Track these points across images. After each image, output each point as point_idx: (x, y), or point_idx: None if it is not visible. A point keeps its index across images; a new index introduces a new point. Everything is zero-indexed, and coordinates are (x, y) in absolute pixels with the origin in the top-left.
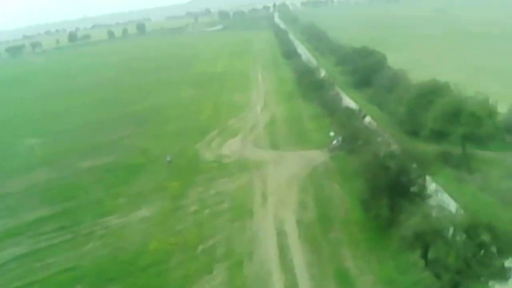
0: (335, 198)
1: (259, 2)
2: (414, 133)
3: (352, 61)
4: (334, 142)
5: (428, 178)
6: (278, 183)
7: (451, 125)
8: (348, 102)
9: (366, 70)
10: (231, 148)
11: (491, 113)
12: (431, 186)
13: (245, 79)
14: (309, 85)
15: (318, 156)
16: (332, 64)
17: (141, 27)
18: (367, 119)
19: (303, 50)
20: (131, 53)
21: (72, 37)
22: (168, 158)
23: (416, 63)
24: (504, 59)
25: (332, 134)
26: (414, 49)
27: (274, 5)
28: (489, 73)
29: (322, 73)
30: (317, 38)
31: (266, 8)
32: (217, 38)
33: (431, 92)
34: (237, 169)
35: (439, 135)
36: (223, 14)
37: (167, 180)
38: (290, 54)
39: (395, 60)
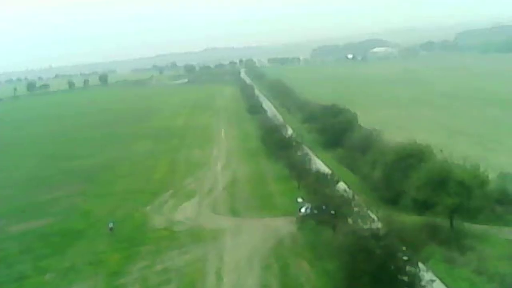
0: (304, 282)
1: (225, 58)
2: (392, 202)
3: (321, 119)
4: (303, 210)
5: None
6: (237, 259)
7: (437, 195)
8: (318, 163)
9: (336, 129)
10: (186, 213)
11: (483, 182)
12: (424, 274)
13: (207, 134)
14: (275, 143)
15: (284, 226)
16: (299, 121)
17: (103, 78)
18: (341, 184)
19: (268, 106)
20: (89, 105)
21: (30, 86)
22: (111, 225)
23: (388, 124)
24: (477, 122)
25: (300, 200)
26: (384, 109)
27: (241, 61)
28: (465, 136)
29: (289, 131)
30: (283, 94)
31: (232, 63)
32: (181, 92)
33: (411, 155)
34: (190, 240)
35: (422, 205)
36: (189, 68)
37: (106, 251)
38: (255, 109)
39: (365, 120)
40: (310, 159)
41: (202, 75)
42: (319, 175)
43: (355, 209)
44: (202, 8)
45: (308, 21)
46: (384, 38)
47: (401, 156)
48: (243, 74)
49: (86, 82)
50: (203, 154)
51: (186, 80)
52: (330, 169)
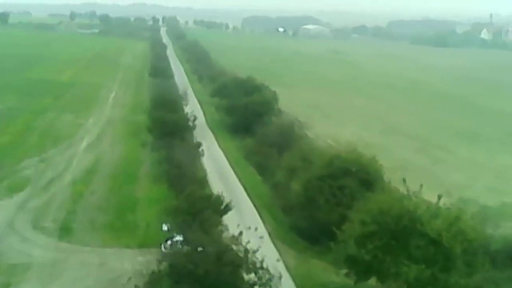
0: None
1: (152, 14)
2: (314, 239)
3: (232, 94)
4: (169, 242)
5: None
6: None
7: (390, 256)
8: (217, 156)
9: (249, 111)
10: None
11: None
12: None
13: (92, 96)
14: (161, 123)
15: (137, 266)
16: (209, 94)
17: (3, 17)
18: (240, 196)
19: (179, 71)
20: None
21: None
22: None
23: (315, 109)
24: (415, 119)
25: (165, 228)
26: (312, 91)
27: (164, 18)
28: (404, 137)
29: (191, 106)
30: (199, 59)
31: (155, 19)
32: (86, 42)
33: (347, 172)
34: None
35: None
36: (104, 18)
37: None
38: (159, 72)
39: (288, 102)
40: (202, 150)
41: (117, 28)
42: (203, 195)
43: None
44: None
45: None
46: (317, 17)
47: (333, 171)
48: (162, 32)
49: None
50: (73, 122)
51: (97, 30)
52: (232, 167)
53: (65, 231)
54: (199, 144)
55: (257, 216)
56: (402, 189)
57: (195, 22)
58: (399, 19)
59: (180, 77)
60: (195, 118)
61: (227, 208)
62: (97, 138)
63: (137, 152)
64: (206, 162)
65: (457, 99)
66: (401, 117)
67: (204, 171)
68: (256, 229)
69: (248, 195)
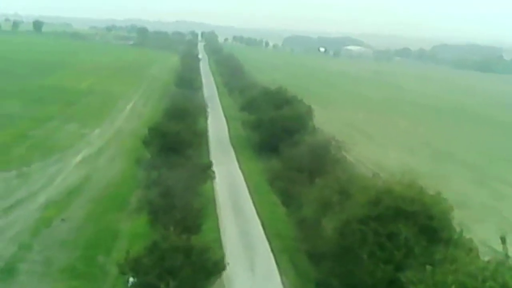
0: None
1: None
2: None
3: (260, 108)
4: None
5: None
6: None
7: None
8: (233, 180)
9: (277, 126)
10: None
11: None
12: None
13: (108, 105)
14: (161, 135)
15: None
16: (238, 108)
17: (37, 25)
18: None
19: (209, 83)
20: None
21: None
22: None
23: (354, 129)
24: (466, 144)
25: (130, 282)
26: (351, 110)
27: (203, 33)
28: (457, 165)
29: (211, 120)
30: (232, 73)
31: (193, 34)
32: (118, 52)
33: (402, 215)
34: None
35: None
36: (142, 30)
37: None
38: (186, 84)
39: (324, 120)
40: (210, 177)
41: (152, 40)
42: (179, 245)
43: None
44: None
45: (285, 10)
46: (358, 39)
47: (381, 211)
48: (200, 46)
49: (15, 25)
50: (75, 132)
51: (131, 42)
52: (251, 194)
53: (6, 274)
54: (208, 165)
55: (274, 264)
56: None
57: (234, 38)
58: (443, 43)
59: (209, 90)
60: (204, 131)
61: (219, 268)
62: (96, 152)
63: (136, 171)
64: (220, 187)
65: (506, 125)
66: (450, 141)
67: (211, 199)
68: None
69: (266, 233)
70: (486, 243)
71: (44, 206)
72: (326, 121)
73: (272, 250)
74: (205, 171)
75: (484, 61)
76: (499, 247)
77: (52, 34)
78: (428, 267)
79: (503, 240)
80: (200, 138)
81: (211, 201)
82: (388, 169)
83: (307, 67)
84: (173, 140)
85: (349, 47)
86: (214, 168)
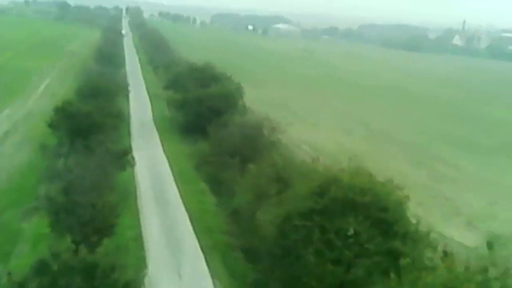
0: None
1: (114, 4)
2: None
3: (186, 86)
4: None
5: None
6: None
7: None
8: (156, 167)
9: (204, 106)
10: None
11: None
12: None
13: (20, 85)
14: (69, 117)
15: None
16: (163, 87)
17: None
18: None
19: (132, 60)
20: None
21: None
22: None
23: (286, 109)
24: (403, 122)
25: None
26: (282, 89)
27: (127, 8)
28: (394, 143)
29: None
30: (156, 49)
31: (117, 9)
32: (36, 27)
33: (352, 207)
34: None
35: None
36: (62, 4)
37: None
38: (107, 61)
39: (255, 99)
40: (129, 165)
41: (74, 14)
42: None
43: None
44: None
45: None
46: (286, 17)
47: (328, 203)
48: (124, 22)
49: None
50: None
51: (51, 16)
52: (177, 182)
53: None
54: (126, 150)
55: (204, 264)
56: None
57: (160, 14)
58: (371, 23)
59: (133, 67)
60: (125, 112)
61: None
62: (2, 137)
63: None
64: (141, 175)
65: (439, 103)
66: (386, 121)
67: (130, 190)
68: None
69: (194, 227)
70: (434, 228)
71: None
72: (257, 101)
73: (201, 248)
74: (123, 158)
75: (411, 40)
76: (447, 231)
77: None
78: (393, 276)
79: (490, 245)
80: (117, 120)
81: (131, 193)
82: (326, 151)
83: (235, 44)
84: (83, 123)
85: (277, 26)
86: (136, 153)
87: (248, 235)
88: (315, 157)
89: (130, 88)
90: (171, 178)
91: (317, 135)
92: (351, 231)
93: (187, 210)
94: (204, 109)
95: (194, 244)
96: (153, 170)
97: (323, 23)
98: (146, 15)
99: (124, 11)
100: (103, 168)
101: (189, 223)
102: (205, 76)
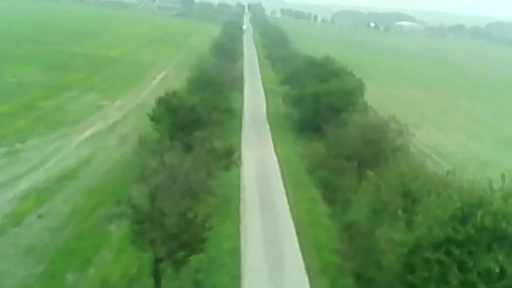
0: None
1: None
2: None
3: (304, 81)
4: None
5: None
6: None
7: None
8: (265, 168)
9: (321, 102)
10: None
11: None
12: None
13: (137, 74)
14: (172, 111)
15: None
16: (278, 82)
17: None
18: None
19: (250, 54)
20: (29, 15)
21: None
22: None
23: (412, 110)
24: None
25: None
26: (406, 88)
27: (249, 5)
28: None
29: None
30: (275, 45)
31: (240, 6)
32: (159, 22)
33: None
34: None
35: None
36: (187, 1)
37: None
38: (224, 54)
39: (375, 98)
40: (233, 166)
41: (197, 11)
42: None
43: None
44: None
45: None
46: (410, 14)
47: (476, 237)
48: (245, 18)
49: None
50: (92, 104)
51: (175, 12)
52: (286, 187)
53: None
54: (230, 149)
55: None
56: None
57: (281, 11)
58: (498, 21)
59: (250, 62)
60: (237, 107)
61: None
62: (109, 128)
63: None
64: (248, 175)
65: None
66: None
67: (233, 194)
68: None
69: (300, 243)
70: None
71: (24, 195)
72: (379, 99)
73: (307, 269)
74: (227, 157)
75: None
76: None
77: (94, 3)
78: None
79: None
80: (225, 115)
81: (234, 197)
82: (455, 160)
83: (356, 41)
84: (187, 116)
85: (400, 23)
86: (244, 151)
87: (363, 258)
88: (451, 169)
89: (246, 82)
90: (280, 182)
91: (445, 140)
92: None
93: (294, 220)
94: (321, 106)
95: (299, 264)
96: (261, 171)
97: (448, 21)
98: (267, 12)
99: (246, 8)
100: (202, 169)
101: (295, 237)
102: (324, 71)
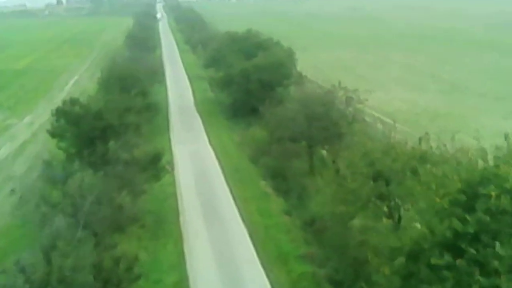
0: None
1: None
2: None
3: (228, 60)
4: None
5: None
6: None
7: None
8: (201, 163)
9: (252, 80)
10: None
11: None
12: None
13: (46, 85)
14: (75, 119)
15: None
16: (203, 65)
17: None
18: None
19: (169, 42)
20: None
21: None
22: None
23: (345, 71)
24: (478, 71)
25: None
26: (334, 51)
27: None
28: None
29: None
30: (193, 28)
31: None
32: (66, 24)
33: None
34: None
35: None
36: None
37: None
38: (139, 45)
39: (307, 65)
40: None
41: (107, 6)
42: None
43: None
44: None
45: None
46: None
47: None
48: (158, 7)
49: None
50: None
51: (85, 12)
52: (228, 183)
53: None
54: (156, 155)
55: None
56: None
57: None
58: None
59: (169, 49)
60: (161, 100)
61: None
62: (17, 150)
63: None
64: (183, 178)
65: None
66: (457, 71)
67: (168, 209)
68: None
69: (259, 255)
70: None
71: None
72: (311, 68)
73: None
74: (154, 165)
75: None
76: None
77: None
78: None
79: None
80: (145, 114)
81: (171, 210)
82: (405, 117)
83: (276, 12)
84: (93, 126)
85: None
86: (176, 150)
87: (339, 260)
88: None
89: (167, 72)
90: (223, 180)
91: (388, 98)
92: None
93: (247, 227)
94: (252, 85)
95: (263, 284)
96: (199, 170)
97: None
98: None
99: None
100: (120, 190)
101: (252, 249)
102: (249, 46)
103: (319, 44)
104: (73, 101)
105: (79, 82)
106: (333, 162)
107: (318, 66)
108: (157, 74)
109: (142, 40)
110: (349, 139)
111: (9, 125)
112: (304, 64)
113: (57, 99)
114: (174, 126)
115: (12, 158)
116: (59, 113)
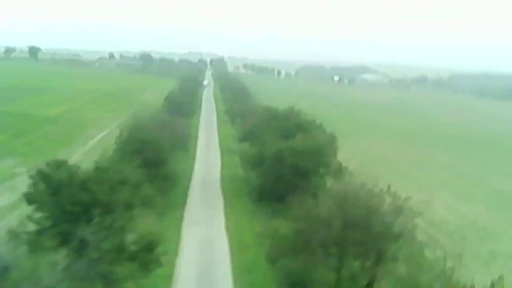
0: None
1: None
2: None
3: (264, 136)
4: None
5: None
6: None
7: None
8: (210, 257)
9: (285, 163)
10: None
11: None
12: None
13: (71, 137)
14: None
15: None
16: (237, 138)
17: (33, 51)
18: None
19: (208, 110)
20: None
21: None
22: None
23: (389, 168)
24: None
25: None
26: (379, 142)
27: (211, 61)
28: None
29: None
30: (236, 99)
31: (202, 62)
32: (113, 79)
33: None
34: None
35: None
36: (145, 57)
37: None
38: (177, 110)
39: (346, 154)
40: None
41: (157, 67)
42: None
43: None
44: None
45: (297, 45)
46: (374, 67)
47: None
48: (207, 74)
49: (7, 51)
50: (6, 172)
51: (133, 69)
52: None
53: None
54: (150, 244)
55: None
56: None
57: (244, 66)
58: (460, 72)
59: (208, 117)
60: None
61: None
62: (12, 205)
63: None
64: (184, 269)
65: None
66: (506, 181)
67: None
68: None
69: None
70: None
71: None
72: (351, 155)
73: None
74: (148, 254)
75: (503, 88)
76: None
77: (46, 61)
78: None
79: None
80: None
81: None
82: (451, 229)
83: (322, 94)
84: (76, 199)
85: (364, 76)
86: (185, 230)
87: None
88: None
89: (200, 140)
90: (229, 281)
91: (431, 203)
92: None
93: None
94: (286, 169)
95: None
96: (205, 262)
97: (411, 73)
98: (230, 67)
99: (208, 63)
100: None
101: None
102: (288, 125)
103: (363, 132)
104: (58, 163)
105: (106, 137)
106: (367, 285)
107: (359, 156)
108: (184, 143)
109: (181, 104)
110: (392, 261)
111: (15, 173)
112: (344, 152)
113: (76, 153)
114: (192, 202)
115: (6, 211)
116: (39, 176)
